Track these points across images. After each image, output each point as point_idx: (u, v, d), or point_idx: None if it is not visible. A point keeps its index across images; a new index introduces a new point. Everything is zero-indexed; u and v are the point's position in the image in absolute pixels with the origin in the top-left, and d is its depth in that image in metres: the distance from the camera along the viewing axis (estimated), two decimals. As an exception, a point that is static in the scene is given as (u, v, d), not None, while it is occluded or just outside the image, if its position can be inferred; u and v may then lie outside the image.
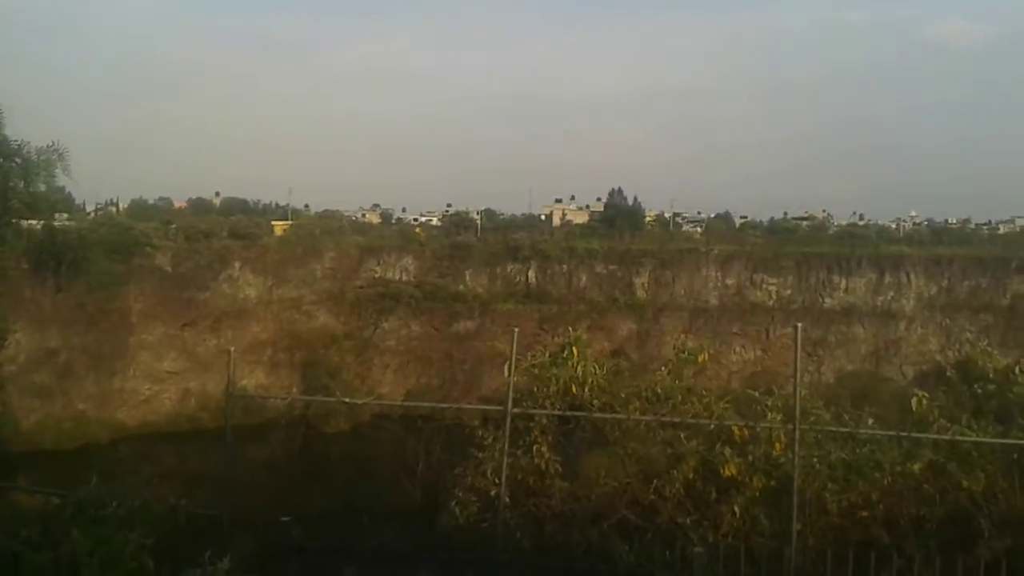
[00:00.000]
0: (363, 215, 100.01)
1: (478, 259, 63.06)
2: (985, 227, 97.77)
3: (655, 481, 10.74)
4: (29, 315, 44.56)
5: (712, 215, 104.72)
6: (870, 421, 10.92)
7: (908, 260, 62.54)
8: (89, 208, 79.72)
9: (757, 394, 11.28)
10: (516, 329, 12.11)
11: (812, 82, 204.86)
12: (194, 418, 49.68)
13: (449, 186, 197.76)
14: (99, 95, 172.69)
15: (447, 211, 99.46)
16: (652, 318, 59.95)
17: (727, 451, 10.51)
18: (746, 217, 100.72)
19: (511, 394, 11.05)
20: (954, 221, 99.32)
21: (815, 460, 10.41)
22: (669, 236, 77.19)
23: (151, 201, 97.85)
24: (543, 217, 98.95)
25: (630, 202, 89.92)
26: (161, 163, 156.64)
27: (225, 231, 59.97)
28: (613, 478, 11.06)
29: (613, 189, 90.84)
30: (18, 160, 16.23)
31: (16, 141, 16.27)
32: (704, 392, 11.43)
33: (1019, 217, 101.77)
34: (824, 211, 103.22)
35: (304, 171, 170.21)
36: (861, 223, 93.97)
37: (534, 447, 11.18)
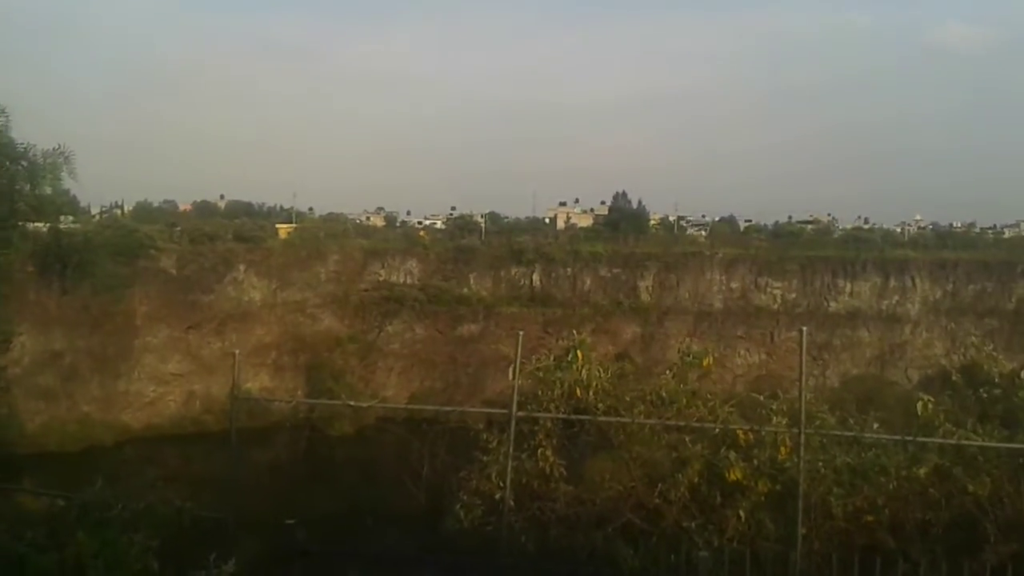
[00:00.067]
0: (367, 218, 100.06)
1: (482, 262, 63.10)
2: (990, 231, 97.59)
3: (660, 485, 10.71)
4: (34, 318, 44.69)
5: (716, 218, 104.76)
6: (875, 425, 10.88)
7: (913, 264, 62.51)
8: (94, 211, 79.85)
9: (762, 398, 11.25)
10: (520, 332, 12.10)
11: (816, 85, 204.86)
12: (199, 421, 49.79)
13: (453, 189, 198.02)
14: (102, 97, 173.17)
15: (451, 214, 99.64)
16: (656, 321, 59.97)
17: (732, 455, 10.48)
18: (750, 221, 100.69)
19: (515, 397, 11.04)
20: (959, 225, 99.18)
21: (820, 464, 10.38)
22: (673, 239, 77.16)
23: (156, 204, 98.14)
24: (547, 220, 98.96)
25: (634, 205, 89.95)
26: (165, 165, 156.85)
27: (230, 234, 60.11)
28: (618, 482, 11.04)
29: (617, 192, 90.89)
30: (24, 163, 16.27)
31: (22, 144, 16.32)
32: (709, 396, 11.40)
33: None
34: (829, 215, 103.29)
35: (308, 174, 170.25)
36: (866, 227, 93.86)
37: (538, 451, 11.17)
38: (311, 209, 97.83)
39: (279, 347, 56.08)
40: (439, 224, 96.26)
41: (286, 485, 33.82)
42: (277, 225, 74.37)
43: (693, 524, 10.44)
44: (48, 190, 17.16)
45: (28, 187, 16.76)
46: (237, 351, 15.99)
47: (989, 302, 60.89)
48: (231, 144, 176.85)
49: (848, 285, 61.66)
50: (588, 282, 62.29)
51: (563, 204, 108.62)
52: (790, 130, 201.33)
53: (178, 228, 61.79)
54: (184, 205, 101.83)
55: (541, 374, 11.64)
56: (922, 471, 10.27)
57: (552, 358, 11.86)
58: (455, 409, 15.53)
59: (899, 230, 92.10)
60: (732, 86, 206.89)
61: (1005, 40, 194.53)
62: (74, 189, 21.22)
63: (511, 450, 10.94)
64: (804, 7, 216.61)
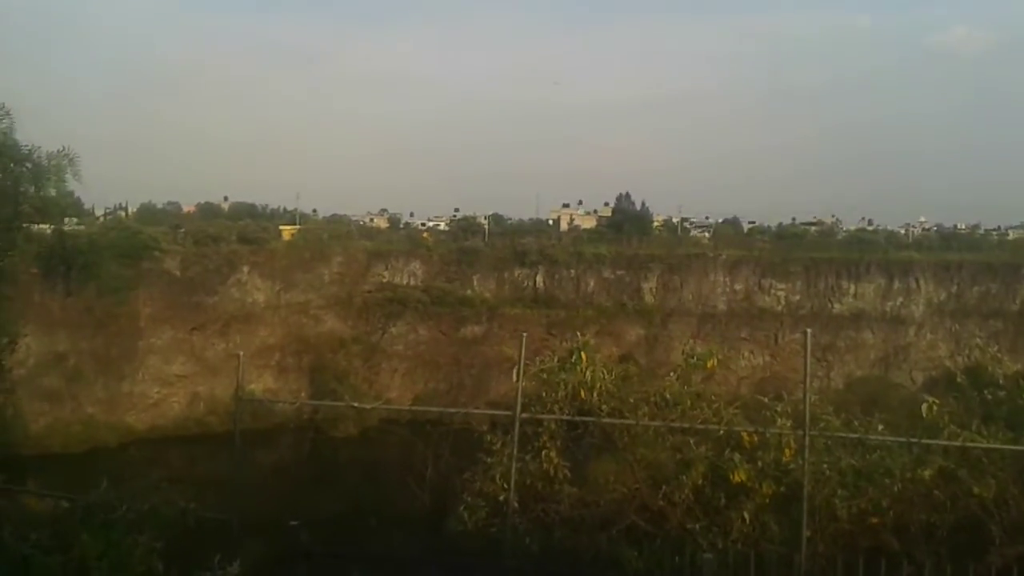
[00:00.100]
0: (371, 220, 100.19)
1: (486, 264, 63.12)
2: (994, 232, 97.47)
3: (664, 487, 10.70)
4: (38, 319, 44.74)
5: (720, 220, 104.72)
6: (880, 427, 10.85)
7: (917, 265, 62.44)
8: (98, 212, 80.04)
9: (766, 400, 11.23)
10: (524, 334, 12.09)
11: (819, 87, 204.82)
12: (203, 422, 49.84)
13: (456, 191, 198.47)
14: (106, 98, 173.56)
15: (455, 216, 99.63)
16: (660, 323, 59.95)
17: (736, 457, 10.46)
18: (754, 222, 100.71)
19: (519, 399, 11.03)
20: (963, 226, 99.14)
21: (825, 466, 10.35)
22: (677, 241, 77.19)
23: (160, 205, 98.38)
24: (551, 222, 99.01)
25: (638, 207, 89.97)
26: (169, 167, 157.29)
27: (234, 235, 60.16)
28: (622, 484, 11.03)
29: (621, 194, 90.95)
30: (29, 165, 16.25)
31: (27, 146, 16.32)
32: (713, 398, 11.38)
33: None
34: (833, 216, 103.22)
35: (312, 176, 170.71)
36: (870, 228, 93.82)
37: (543, 452, 11.15)
38: (315, 211, 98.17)
39: (283, 348, 56.15)
40: (442, 226, 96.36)
41: (290, 486, 33.83)
42: (281, 227, 74.45)
43: (697, 526, 10.42)
44: (53, 192, 17.14)
45: (32, 189, 16.74)
46: (241, 352, 16.03)
47: (993, 304, 60.81)
48: (235, 146, 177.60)
49: (852, 287, 61.62)
50: (592, 284, 62.30)
51: (567, 206, 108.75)
52: (794, 131, 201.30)
53: (182, 230, 61.89)
54: (188, 207, 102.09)
55: (545, 376, 11.63)
56: (927, 473, 10.23)
57: (556, 360, 11.85)
58: (459, 411, 15.47)
59: (903, 232, 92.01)
60: (736, 87, 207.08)
61: (1009, 41, 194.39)
62: (78, 191, 21.21)
63: (515, 452, 10.93)
64: (807, 8, 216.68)
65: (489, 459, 11.30)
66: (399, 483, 13.21)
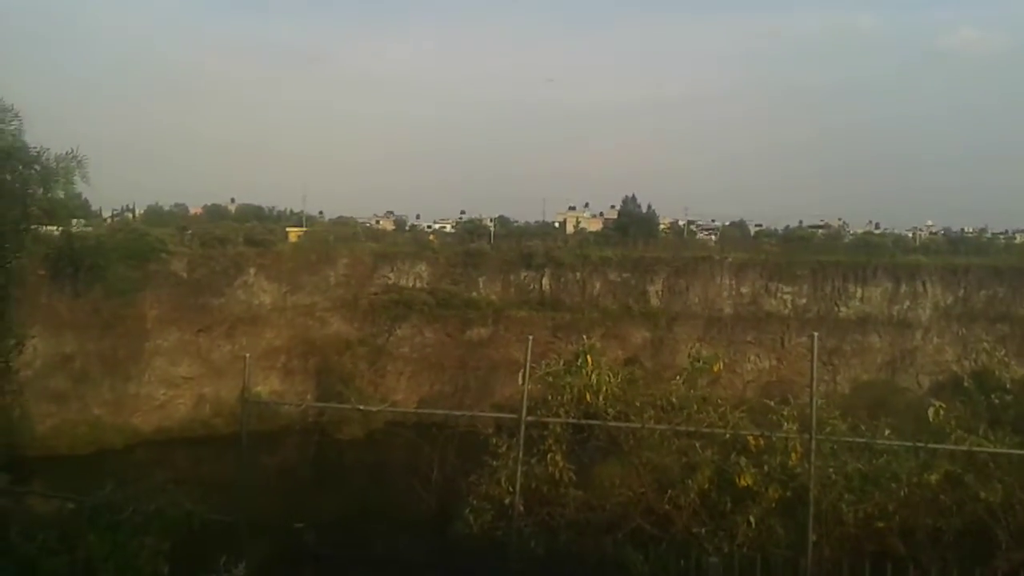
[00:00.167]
0: (377, 222, 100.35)
1: (492, 266, 63.16)
2: (1002, 236, 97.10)
3: (670, 491, 10.67)
4: (46, 320, 44.87)
5: (726, 223, 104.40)
6: (886, 431, 10.82)
7: (924, 269, 62.31)
8: (106, 214, 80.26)
9: (773, 404, 11.21)
10: (531, 337, 12.09)
11: (826, 89, 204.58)
12: (208, 424, 49.97)
13: (462, 193, 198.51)
14: (113, 100, 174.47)
15: (461, 218, 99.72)
16: (666, 326, 59.90)
17: (742, 461, 10.44)
18: (761, 225, 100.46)
19: (525, 402, 11.03)
20: (970, 230, 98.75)
21: (831, 471, 10.32)
22: (683, 244, 77.11)
23: (167, 207, 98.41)
24: (556, 225, 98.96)
25: (644, 210, 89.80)
26: (175, 169, 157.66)
27: (240, 237, 60.30)
28: (627, 487, 11.01)
29: (627, 197, 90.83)
30: (37, 167, 16.31)
31: (35, 148, 16.37)
32: (719, 401, 11.35)
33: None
34: (840, 219, 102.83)
35: (318, 178, 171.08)
36: (877, 232, 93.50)
37: (548, 455, 11.14)
38: (321, 213, 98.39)
39: (289, 350, 56.24)
40: (448, 228, 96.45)
41: (296, 488, 33.88)
42: (287, 229, 74.60)
43: (703, 530, 10.40)
44: (61, 194, 17.19)
45: (41, 191, 16.80)
46: (247, 354, 16.05)
47: (1000, 308, 60.65)
48: (241, 148, 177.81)
49: (859, 290, 61.51)
50: (597, 286, 62.30)
51: (572, 208, 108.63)
52: (801, 134, 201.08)
53: (189, 232, 62.05)
54: (195, 209, 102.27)
55: (551, 379, 11.61)
56: (933, 477, 10.21)
57: (562, 363, 11.83)
58: (464, 413, 15.48)
59: (910, 235, 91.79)
60: (743, 89, 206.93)
61: (1017, 44, 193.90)
62: (86, 193, 21.28)
63: (520, 455, 10.92)
64: (814, 10, 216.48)
65: (494, 462, 11.29)
66: (404, 486, 13.20)
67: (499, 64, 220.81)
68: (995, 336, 57.21)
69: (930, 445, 10.40)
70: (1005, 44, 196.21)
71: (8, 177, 16.23)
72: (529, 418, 11.08)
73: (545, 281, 62.53)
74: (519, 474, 10.88)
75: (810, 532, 9.75)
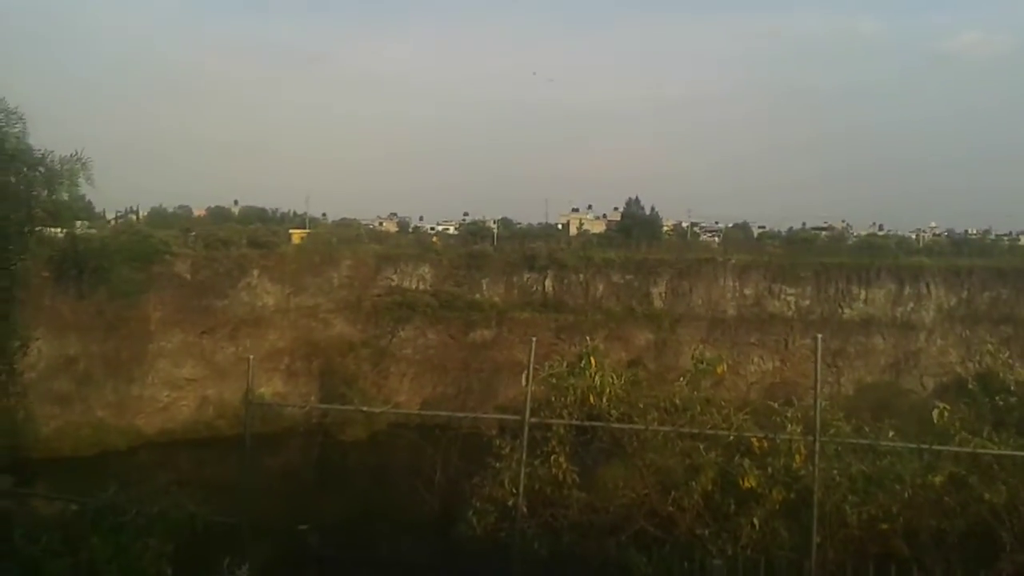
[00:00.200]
0: (380, 224, 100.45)
1: (495, 268, 63.17)
2: (1005, 238, 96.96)
3: (673, 492, 10.65)
4: (50, 322, 44.93)
5: (730, 225, 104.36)
6: (890, 433, 10.80)
7: (928, 271, 62.22)
8: (109, 216, 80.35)
9: (776, 405, 11.19)
10: (534, 339, 12.09)
11: (830, 90, 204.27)
12: (212, 425, 49.99)
13: (466, 195, 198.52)
14: (116, 102, 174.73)
15: (464, 220, 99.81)
16: (669, 328, 59.85)
17: (746, 463, 10.41)
18: (764, 227, 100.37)
19: (528, 404, 11.02)
20: (974, 232, 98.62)
21: (835, 472, 10.30)
22: (686, 246, 77.00)
23: (170, 209, 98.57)
24: (560, 226, 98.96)
25: (647, 211, 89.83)
26: (178, 170, 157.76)
27: (244, 239, 60.40)
28: (631, 489, 10.99)
29: (630, 198, 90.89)
30: (42, 169, 16.37)
31: (40, 150, 16.42)
32: (723, 403, 11.33)
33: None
34: (843, 221, 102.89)
35: (321, 179, 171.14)
36: (880, 233, 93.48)
37: (551, 457, 11.12)
38: (324, 215, 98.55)
39: (292, 352, 56.27)
40: (452, 230, 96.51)
41: (299, 490, 33.94)
42: (291, 230, 74.71)
43: (707, 532, 10.39)
44: (65, 196, 17.26)
45: (45, 193, 16.86)
46: (251, 356, 16.04)
47: (1004, 309, 60.52)
48: (244, 149, 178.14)
49: (862, 292, 61.43)
50: (601, 288, 62.28)
51: (576, 210, 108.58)
52: (804, 135, 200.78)
53: (193, 233, 62.14)
54: (198, 210, 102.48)
55: (554, 380, 11.58)
56: (937, 479, 10.18)
57: (565, 364, 11.81)
58: (468, 415, 15.50)
59: (914, 237, 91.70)
60: (746, 91, 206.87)
61: (1019, 46, 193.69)
62: (89, 194, 21.33)
63: (524, 456, 10.91)
64: (818, 11, 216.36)
65: (498, 464, 11.29)
66: (408, 487, 13.21)
67: (499, 64, 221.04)
68: (999, 338, 56.85)
69: (934, 447, 10.38)
70: (1007, 46, 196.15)
71: (13, 179, 16.29)
72: (532, 420, 11.07)
73: (548, 283, 62.52)
74: (522, 476, 10.87)
75: (814, 534, 9.73)
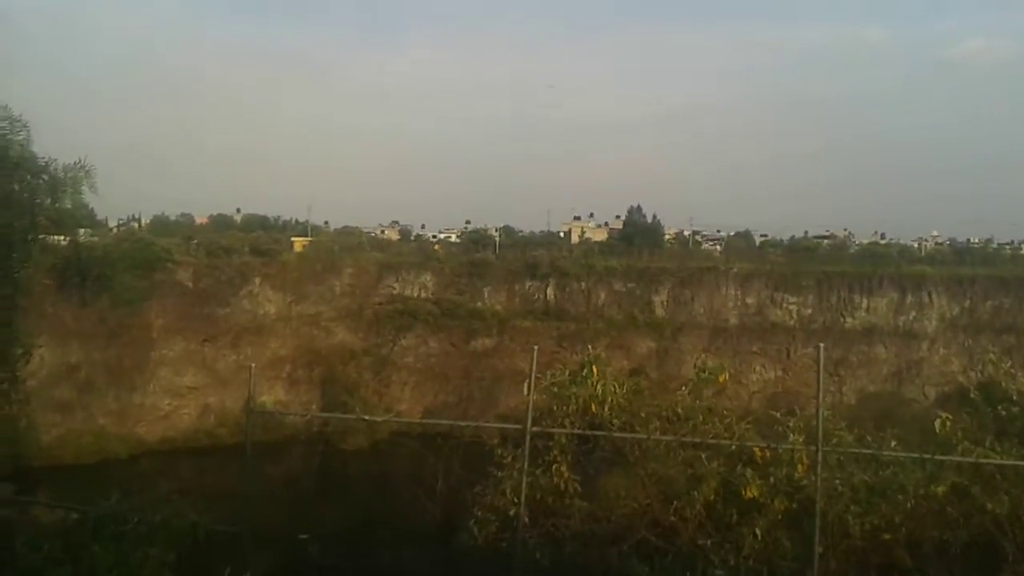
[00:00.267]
0: (382, 232, 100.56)
1: (496, 276, 63.16)
2: (1008, 247, 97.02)
3: (675, 502, 10.62)
4: (52, 330, 44.95)
5: (732, 233, 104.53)
6: (893, 443, 10.78)
7: (930, 280, 62.15)
8: (111, 223, 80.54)
9: (779, 415, 11.17)
10: (536, 347, 12.07)
11: (832, 99, 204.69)
12: (213, 434, 49.93)
13: (468, 203, 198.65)
14: (119, 109, 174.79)
15: (466, 228, 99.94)
16: (671, 337, 59.80)
17: (748, 473, 10.38)
18: (766, 235, 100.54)
19: (530, 413, 11.00)
20: (976, 241, 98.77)
21: (838, 482, 10.27)
22: (688, 254, 77.11)
23: (172, 217, 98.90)
24: (562, 234, 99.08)
25: (649, 220, 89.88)
26: (180, 178, 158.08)
27: (246, 247, 60.40)
28: (633, 499, 10.97)
29: (632, 207, 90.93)
30: (45, 177, 16.36)
31: (43, 158, 16.42)
32: (725, 412, 11.30)
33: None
34: (845, 230, 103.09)
35: (323, 188, 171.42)
36: (882, 242, 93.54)
37: (553, 466, 11.09)
38: (326, 223, 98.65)
39: (294, 360, 56.23)
40: (454, 238, 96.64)
41: (300, 499, 33.89)
42: (292, 238, 74.80)
43: (709, 542, 10.35)
44: (68, 204, 17.25)
45: (49, 201, 16.85)
46: (252, 364, 16.02)
47: (1007, 318, 60.42)
48: (246, 158, 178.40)
49: (864, 301, 61.37)
50: (602, 296, 62.26)
51: (577, 218, 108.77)
52: (806, 144, 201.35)
53: (195, 241, 62.21)
54: (200, 218, 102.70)
55: (556, 389, 11.57)
56: (940, 489, 10.16)
57: (567, 373, 11.80)
58: (469, 424, 15.46)
59: (916, 245, 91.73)
60: (748, 99, 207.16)
61: (1023, 53, 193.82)
62: (92, 202, 21.34)
63: (526, 466, 10.89)
64: (819, 20, 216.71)
65: (499, 473, 11.26)
66: (409, 496, 13.20)
67: (500, 76, 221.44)
68: (1001, 347, 56.67)
69: (937, 457, 10.36)
70: (1012, 53, 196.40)
71: (16, 187, 16.27)
72: (534, 428, 11.05)
73: (550, 291, 62.51)
74: (524, 485, 10.85)
75: (816, 544, 9.71)
